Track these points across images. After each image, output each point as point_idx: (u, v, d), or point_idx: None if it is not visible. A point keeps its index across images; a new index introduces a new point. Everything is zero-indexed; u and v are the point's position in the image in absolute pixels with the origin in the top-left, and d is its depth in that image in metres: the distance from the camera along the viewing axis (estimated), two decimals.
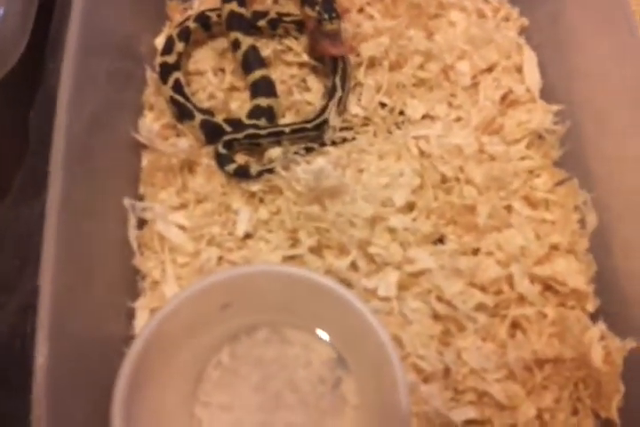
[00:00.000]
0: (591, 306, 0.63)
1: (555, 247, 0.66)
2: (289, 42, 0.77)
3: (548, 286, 0.64)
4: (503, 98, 0.74)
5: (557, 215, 0.68)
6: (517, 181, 0.68)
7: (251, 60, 0.72)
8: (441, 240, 0.67)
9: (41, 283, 0.53)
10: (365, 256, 0.64)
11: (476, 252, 0.66)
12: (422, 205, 0.67)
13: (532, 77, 0.75)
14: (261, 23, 0.76)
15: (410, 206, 0.67)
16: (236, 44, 0.73)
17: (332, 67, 0.73)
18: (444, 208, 0.67)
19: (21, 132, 0.73)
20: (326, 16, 0.68)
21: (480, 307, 0.62)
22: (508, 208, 0.68)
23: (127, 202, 0.65)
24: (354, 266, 0.64)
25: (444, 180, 0.68)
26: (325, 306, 0.55)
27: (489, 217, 0.66)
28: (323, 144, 0.70)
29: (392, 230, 0.65)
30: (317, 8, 0.68)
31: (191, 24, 0.75)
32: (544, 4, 0.77)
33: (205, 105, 0.72)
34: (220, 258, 0.64)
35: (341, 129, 0.72)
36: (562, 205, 0.68)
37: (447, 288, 0.61)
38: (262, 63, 0.73)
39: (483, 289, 0.63)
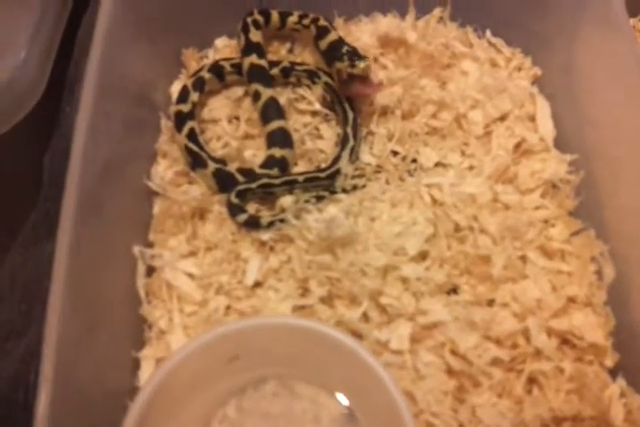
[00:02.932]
0: (610, 361, 0.61)
1: (572, 300, 0.64)
2: (302, 91, 0.77)
3: (565, 340, 0.62)
4: (516, 147, 0.74)
5: (574, 266, 0.66)
6: (532, 230, 0.67)
7: (269, 111, 0.73)
8: (454, 290, 0.65)
9: (46, 331, 0.52)
10: (377, 307, 0.63)
11: (490, 303, 0.64)
12: (435, 254, 0.66)
13: (546, 126, 0.75)
14: (274, 71, 0.77)
15: (423, 255, 0.66)
16: (256, 96, 0.74)
17: (343, 117, 0.73)
18: (458, 258, 0.66)
19: (36, 175, 0.74)
20: (356, 59, 0.70)
21: (495, 361, 0.60)
22: (523, 258, 0.66)
23: (136, 249, 0.64)
24: (365, 317, 0.62)
25: (457, 229, 0.67)
26: (336, 359, 0.53)
27: (504, 268, 0.64)
28: (334, 192, 0.70)
29: (405, 280, 0.64)
30: (345, 58, 0.70)
31: (205, 74, 0.75)
32: (557, 53, 0.78)
33: (219, 153, 0.72)
34: (228, 307, 0.63)
35: (353, 177, 0.71)
36: (578, 255, 0.67)
37: (462, 342, 0.59)
38: (280, 115, 0.73)
39: (498, 343, 0.61)
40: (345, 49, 0.72)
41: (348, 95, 0.74)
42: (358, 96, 0.73)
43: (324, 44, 0.74)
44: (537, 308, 0.63)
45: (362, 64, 0.69)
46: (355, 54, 0.71)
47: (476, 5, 0.82)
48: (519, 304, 0.63)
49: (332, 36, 0.74)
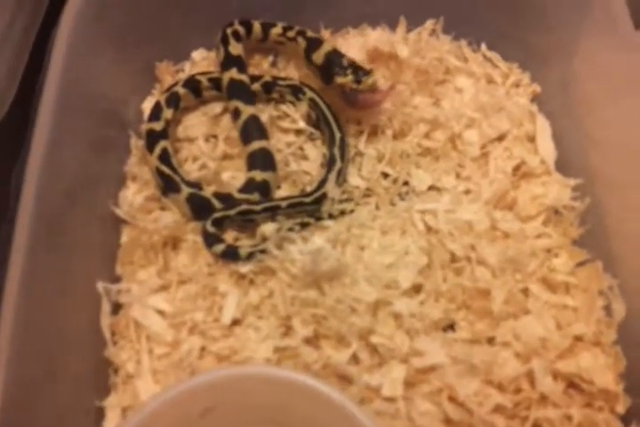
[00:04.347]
0: (622, 407, 0.57)
1: (578, 338, 0.60)
2: (286, 108, 0.73)
3: (572, 384, 0.58)
4: (515, 169, 0.70)
5: (580, 301, 0.62)
6: (534, 261, 0.63)
7: (250, 131, 0.69)
8: (451, 327, 0.61)
9: None
10: (367, 347, 0.58)
11: (490, 341, 0.60)
12: (430, 287, 0.61)
13: (547, 148, 0.70)
14: (255, 87, 0.72)
15: (416, 289, 0.61)
16: (236, 113, 0.70)
17: (330, 136, 0.69)
18: (455, 291, 0.61)
19: (5, 191, 0.68)
20: (361, 74, 0.66)
21: (497, 409, 0.55)
22: (525, 292, 0.62)
23: (101, 286, 0.58)
24: (355, 359, 0.57)
25: (453, 259, 0.63)
26: (319, 412, 0.48)
27: (504, 302, 0.60)
28: (320, 218, 0.65)
29: (397, 316, 0.59)
30: (348, 72, 0.66)
31: (180, 89, 0.70)
32: (556, 68, 0.74)
33: (194, 176, 0.67)
34: (203, 349, 0.58)
35: (341, 201, 0.67)
36: (584, 289, 0.62)
37: (461, 388, 0.55)
38: (263, 134, 0.69)
39: (500, 388, 0.56)
40: (345, 62, 0.68)
41: (354, 108, 0.69)
42: (367, 107, 0.69)
43: (319, 56, 0.69)
44: (541, 347, 0.58)
45: (369, 80, 0.65)
46: (358, 68, 0.67)
47: (469, 17, 0.78)
48: (522, 343, 0.59)
49: (326, 47, 0.70)
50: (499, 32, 0.77)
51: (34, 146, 0.56)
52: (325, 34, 0.77)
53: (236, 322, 0.59)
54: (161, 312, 0.59)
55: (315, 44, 0.70)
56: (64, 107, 0.59)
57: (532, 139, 0.72)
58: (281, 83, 0.72)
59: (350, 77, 0.66)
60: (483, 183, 0.68)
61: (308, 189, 0.68)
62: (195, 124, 0.72)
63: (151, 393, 0.55)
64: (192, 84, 0.71)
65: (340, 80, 0.66)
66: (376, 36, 0.76)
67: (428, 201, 0.67)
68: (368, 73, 0.66)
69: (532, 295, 0.61)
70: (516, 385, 0.56)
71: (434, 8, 0.77)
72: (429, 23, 0.78)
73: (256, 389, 0.48)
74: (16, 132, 0.70)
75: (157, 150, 0.66)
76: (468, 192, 0.68)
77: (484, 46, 0.78)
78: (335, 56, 0.68)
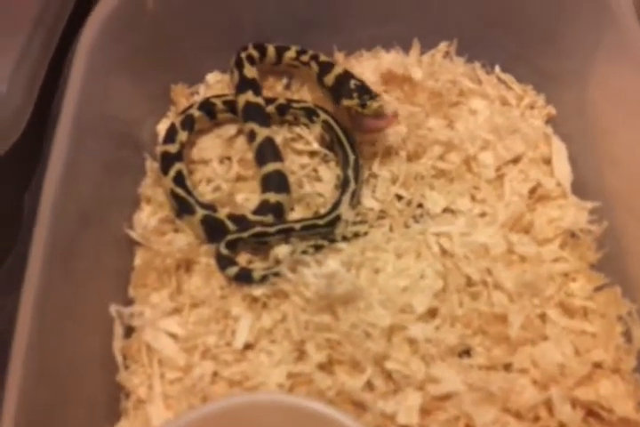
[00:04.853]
0: None
1: (598, 365, 0.58)
2: (299, 130, 0.72)
3: (591, 412, 0.56)
4: (531, 192, 0.69)
5: (598, 327, 0.61)
6: (552, 286, 0.62)
7: (265, 153, 0.68)
8: (467, 352, 0.60)
9: (5, 400, 0.46)
10: (382, 373, 0.56)
11: (507, 367, 0.59)
12: (446, 311, 0.60)
13: (563, 170, 0.70)
14: (269, 109, 0.72)
15: (432, 313, 0.60)
16: (252, 135, 0.70)
17: (344, 158, 0.68)
18: (471, 316, 0.60)
19: (18, 213, 0.68)
20: (367, 97, 0.65)
21: None
22: (543, 317, 0.61)
23: (113, 309, 0.58)
24: (369, 385, 0.56)
25: (469, 283, 0.62)
26: None
27: (522, 328, 0.59)
28: (333, 240, 0.65)
29: (412, 342, 0.58)
30: (354, 95, 0.66)
31: (195, 112, 0.70)
32: (569, 89, 0.73)
33: (208, 197, 0.67)
34: (215, 374, 0.56)
35: (355, 223, 0.66)
36: (602, 314, 0.61)
37: (478, 416, 0.53)
38: (277, 156, 0.68)
39: (518, 416, 0.55)
40: (353, 84, 0.67)
41: (360, 131, 0.69)
42: (371, 131, 0.68)
43: (329, 79, 0.69)
44: (559, 374, 0.57)
45: (374, 104, 0.65)
46: (365, 91, 0.66)
47: (483, 40, 0.77)
48: (539, 370, 0.57)
49: (337, 70, 0.70)
50: (512, 54, 0.77)
51: (50, 167, 0.56)
52: (339, 57, 0.77)
53: (248, 346, 0.58)
54: (173, 336, 0.59)
55: (327, 68, 0.71)
56: (80, 128, 0.59)
57: (547, 161, 0.71)
58: (295, 105, 0.72)
59: (356, 101, 0.65)
60: (498, 206, 0.67)
61: (322, 211, 0.67)
62: (209, 146, 0.72)
63: (162, 419, 0.54)
64: (207, 106, 0.71)
65: (346, 103, 0.66)
66: (390, 59, 0.77)
67: (442, 224, 0.66)
68: (374, 97, 0.65)
69: (549, 321, 0.60)
70: (535, 413, 0.55)
71: (447, 30, 0.77)
72: (443, 45, 0.78)
73: (269, 416, 0.47)
74: (29, 154, 0.71)
75: (172, 173, 0.66)
76: (483, 215, 0.67)
77: (497, 68, 0.78)
78: (345, 78, 0.69)
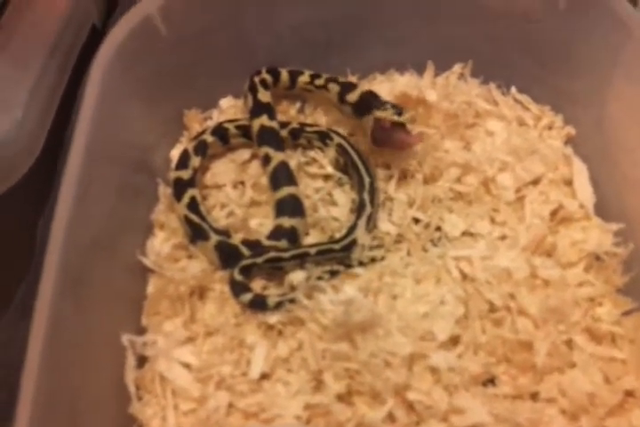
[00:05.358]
0: None
1: (629, 394, 0.56)
2: (313, 153, 0.72)
3: None
4: (553, 214, 0.67)
5: (627, 353, 0.58)
6: (577, 311, 0.60)
7: (280, 177, 0.68)
8: (492, 381, 0.57)
9: None
10: (404, 404, 0.54)
11: (534, 397, 0.57)
12: (468, 339, 0.58)
13: (585, 191, 0.68)
14: (283, 133, 0.71)
15: (454, 341, 0.59)
16: (266, 160, 0.69)
17: (359, 181, 0.67)
18: (495, 343, 0.58)
19: (31, 241, 0.67)
20: (399, 110, 0.66)
21: None
22: (569, 344, 0.59)
23: (126, 338, 0.56)
24: (391, 417, 0.54)
25: (492, 309, 0.60)
26: None
27: (548, 355, 0.57)
28: (349, 265, 0.63)
29: (434, 371, 0.56)
30: (388, 106, 0.66)
31: (208, 137, 0.70)
32: (588, 108, 0.72)
33: (222, 223, 0.66)
34: (231, 405, 0.55)
35: (371, 248, 0.64)
36: (631, 340, 0.59)
37: None
38: (292, 180, 0.68)
39: None
40: (382, 99, 0.68)
41: (385, 147, 0.68)
42: (400, 147, 0.67)
43: (353, 95, 0.69)
44: (589, 404, 0.55)
45: (407, 114, 0.65)
46: (394, 105, 0.66)
47: (498, 61, 0.77)
48: (568, 399, 0.55)
49: (361, 88, 0.70)
50: (528, 75, 0.76)
51: (62, 193, 0.55)
52: (353, 80, 0.77)
53: (264, 376, 0.57)
54: (187, 366, 0.57)
55: (349, 87, 0.71)
56: (93, 154, 0.58)
57: (568, 182, 0.69)
58: (308, 129, 0.72)
59: (390, 111, 0.65)
60: (519, 228, 0.65)
61: (337, 235, 0.66)
62: (222, 171, 0.71)
63: None
64: (220, 131, 0.71)
65: (379, 113, 0.65)
66: (404, 81, 0.76)
67: (462, 247, 0.65)
68: (403, 111, 0.65)
69: (576, 347, 0.58)
70: None
71: (461, 52, 0.77)
72: (457, 67, 0.77)
73: None
74: (44, 180, 0.70)
75: (186, 199, 0.65)
76: (503, 238, 0.66)
77: (513, 89, 0.77)
78: (371, 94, 0.69)
